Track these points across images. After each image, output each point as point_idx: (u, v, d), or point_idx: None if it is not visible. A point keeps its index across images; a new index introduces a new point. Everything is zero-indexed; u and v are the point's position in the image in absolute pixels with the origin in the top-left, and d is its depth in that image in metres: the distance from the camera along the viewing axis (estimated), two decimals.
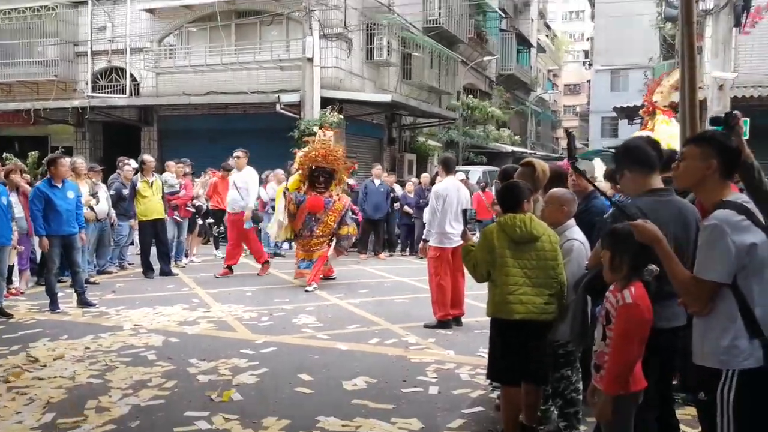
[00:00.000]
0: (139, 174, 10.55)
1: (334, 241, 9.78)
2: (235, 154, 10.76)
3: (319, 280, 9.58)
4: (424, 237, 7.31)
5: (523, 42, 35.39)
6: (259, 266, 10.82)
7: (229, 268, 10.58)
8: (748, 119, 11.76)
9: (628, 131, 20.72)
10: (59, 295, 8.02)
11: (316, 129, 10.58)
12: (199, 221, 12.61)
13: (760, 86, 14.26)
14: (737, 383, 2.46)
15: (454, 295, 7.31)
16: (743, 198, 2.60)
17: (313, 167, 9.58)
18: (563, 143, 53.73)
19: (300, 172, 9.73)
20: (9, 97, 19.60)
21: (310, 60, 15.47)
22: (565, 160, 4.20)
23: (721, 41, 12.09)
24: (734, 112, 3.13)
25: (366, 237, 13.63)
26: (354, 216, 10.35)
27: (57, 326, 7.03)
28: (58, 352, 5.97)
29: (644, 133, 9.66)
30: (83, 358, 5.84)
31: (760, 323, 2.44)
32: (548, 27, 52.04)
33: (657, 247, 2.66)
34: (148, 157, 10.94)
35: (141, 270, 10.44)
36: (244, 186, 10.43)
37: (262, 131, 16.79)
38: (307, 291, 9.24)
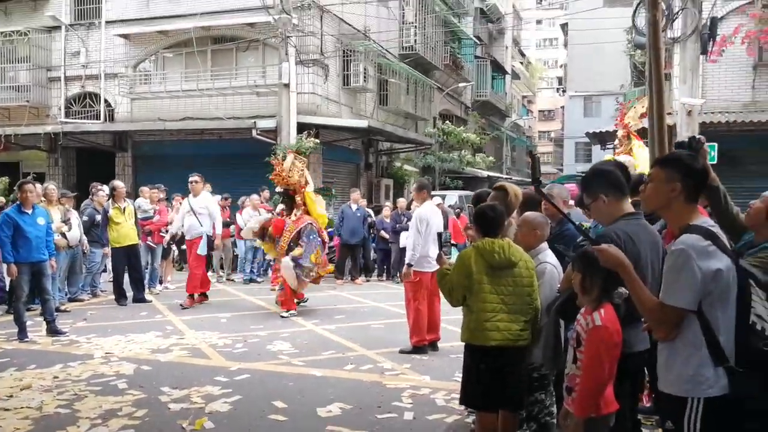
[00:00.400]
0: (110, 200, 10.43)
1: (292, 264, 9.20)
2: (191, 179, 10.33)
3: (294, 306, 9.47)
4: (408, 261, 7.17)
5: (498, 69, 35.91)
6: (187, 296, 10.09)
7: (204, 295, 10.40)
8: (715, 144, 12.04)
9: (601, 156, 21.01)
10: (28, 323, 7.85)
11: (284, 154, 10.38)
12: (174, 247, 12.48)
13: (727, 112, 14.63)
14: (703, 412, 2.43)
15: (431, 320, 7.28)
16: (709, 222, 2.59)
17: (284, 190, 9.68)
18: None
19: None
20: None
21: (287, 86, 15.51)
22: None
23: (689, 68, 12.36)
24: (698, 136, 3.18)
25: (343, 262, 13.58)
26: (317, 239, 9.47)
27: (25, 355, 6.86)
28: (26, 382, 5.82)
29: (622, 157, 9.82)
30: (51, 387, 5.70)
31: (724, 350, 2.41)
32: (522, 54, 52.91)
33: (622, 271, 2.64)
34: (118, 183, 10.81)
35: (113, 297, 10.27)
36: (203, 212, 10.14)
37: (239, 157, 16.76)
38: (282, 317, 9.15)
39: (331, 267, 10.71)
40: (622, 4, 19.74)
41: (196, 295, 10.17)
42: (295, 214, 9.51)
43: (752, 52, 14.00)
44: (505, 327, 3.80)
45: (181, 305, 9.87)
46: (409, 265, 7.13)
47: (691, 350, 2.44)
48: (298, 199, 9.55)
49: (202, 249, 10.13)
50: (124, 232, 10.24)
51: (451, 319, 7.26)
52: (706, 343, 2.41)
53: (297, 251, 9.17)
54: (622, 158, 9.49)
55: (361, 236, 13.52)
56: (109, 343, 7.45)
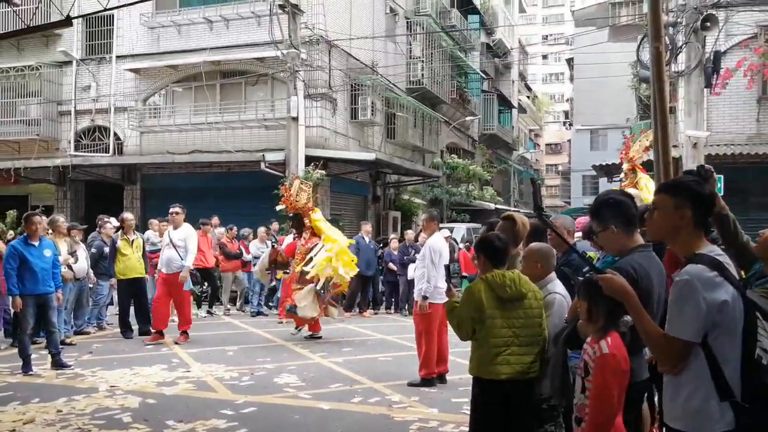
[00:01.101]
0: (119, 232, 10.41)
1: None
2: (172, 210, 10.07)
3: (303, 323, 9.87)
4: (423, 293, 7.04)
5: (505, 103, 36.10)
6: (178, 333, 9.87)
7: (160, 333, 9.74)
8: (721, 176, 12.03)
9: (608, 189, 20.94)
10: (33, 356, 7.76)
11: (291, 181, 10.66)
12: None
13: (732, 144, 14.67)
14: None
15: (439, 352, 7.19)
16: (716, 251, 2.51)
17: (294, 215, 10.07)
18: (546, 201, 54.31)
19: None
20: None
21: (295, 119, 15.59)
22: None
23: (694, 101, 12.50)
24: (707, 165, 3.13)
25: (355, 294, 13.45)
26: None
27: (29, 389, 6.76)
28: (29, 416, 5.71)
29: (629, 191, 9.76)
30: (55, 421, 5.59)
31: (730, 384, 2.33)
32: (529, 88, 53.26)
33: (626, 301, 2.57)
34: (128, 215, 10.83)
35: (119, 330, 10.18)
36: (182, 245, 9.75)
37: (247, 190, 16.79)
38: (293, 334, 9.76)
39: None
40: (627, 39, 20.01)
41: (165, 331, 9.79)
42: (305, 237, 9.85)
43: (752, 85, 14.13)
44: (516, 360, 3.75)
45: (175, 342, 9.55)
46: (425, 297, 7.03)
47: (696, 383, 2.37)
48: (306, 221, 9.87)
49: (188, 284, 9.86)
50: (131, 264, 10.21)
51: (459, 351, 7.14)
52: (711, 377, 2.34)
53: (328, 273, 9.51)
54: (630, 191, 9.46)
55: (375, 268, 13.45)
56: (115, 376, 7.35)
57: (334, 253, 9.47)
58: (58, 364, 7.72)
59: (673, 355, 2.40)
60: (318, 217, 9.95)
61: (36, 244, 7.67)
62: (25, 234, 7.76)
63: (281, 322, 11.21)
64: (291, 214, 10.25)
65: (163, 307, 9.82)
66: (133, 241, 10.31)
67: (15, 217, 16.11)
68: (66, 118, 19.48)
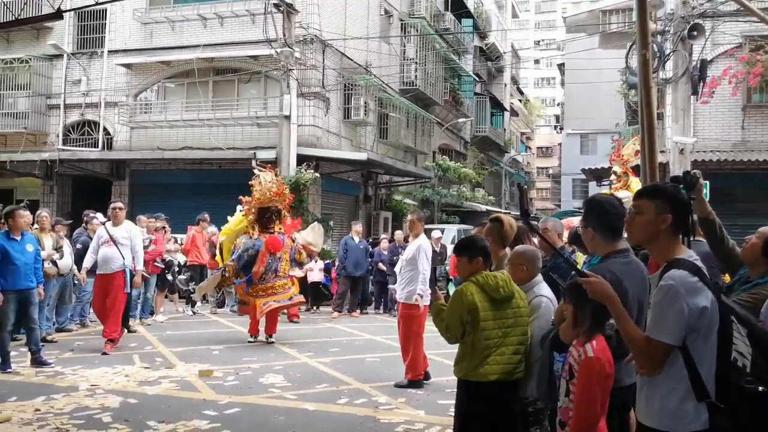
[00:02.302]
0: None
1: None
2: (114, 205, 9.25)
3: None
4: (419, 292, 6.96)
5: (497, 105, 36.16)
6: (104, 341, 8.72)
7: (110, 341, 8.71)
8: (708, 182, 12.11)
9: (597, 192, 21.01)
10: (12, 353, 7.58)
11: (255, 171, 10.33)
12: (169, 277, 12.23)
13: (718, 151, 14.87)
14: None
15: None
16: (693, 255, 2.55)
17: (263, 208, 9.60)
18: (537, 203, 54.44)
19: (248, 217, 9.67)
20: None
21: (288, 118, 15.49)
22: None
23: (681, 108, 12.76)
24: (693, 171, 3.16)
25: (344, 294, 13.35)
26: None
27: (6, 387, 6.60)
28: (5, 415, 5.56)
29: (620, 193, 9.75)
30: (32, 421, 5.45)
31: (706, 385, 2.39)
32: (521, 92, 53.41)
33: (609, 305, 2.59)
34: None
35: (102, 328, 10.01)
36: (126, 243, 8.89)
37: (237, 187, 16.52)
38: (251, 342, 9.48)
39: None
40: (616, 46, 20.12)
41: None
42: (280, 228, 9.72)
43: (736, 92, 14.27)
44: (506, 360, 3.73)
45: (103, 353, 8.43)
46: (420, 296, 6.96)
47: (673, 384, 2.43)
48: (284, 212, 9.84)
49: (127, 287, 8.94)
50: None
51: (444, 353, 7.06)
52: (689, 378, 2.40)
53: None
54: (621, 194, 9.44)
55: (365, 269, 13.36)
56: (96, 374, 7.19)
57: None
58: (38, 361, 7.56)
59: (654, 357, 2.45)
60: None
61: (18, 238, 7.51)
62: (6, 228, 7.58)
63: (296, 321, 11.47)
64: (267, 209, 9.69)
65: (112, 312, 8.77)
66: None
67: None
68: (55, 112, 19.26)
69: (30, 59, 18.91)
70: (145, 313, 11.36)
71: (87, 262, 8.98)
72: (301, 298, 10.28)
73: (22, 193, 19.27)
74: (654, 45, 11.95)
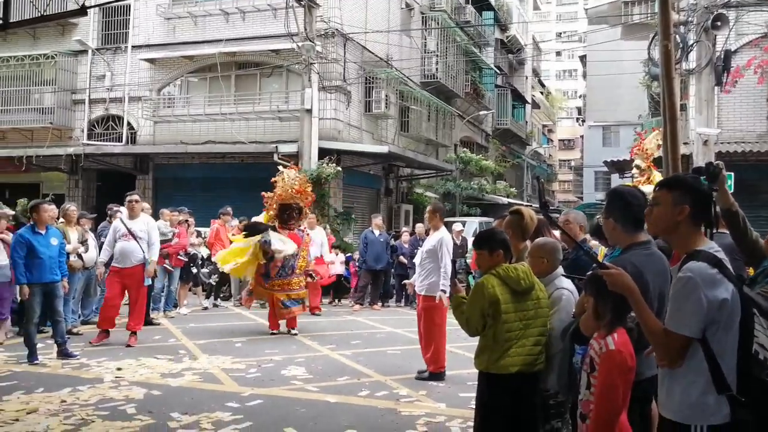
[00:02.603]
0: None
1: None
2: (131, 198, 9.07)
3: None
4: (442, 288, 6.94)
5: (518, 98, 35.92)
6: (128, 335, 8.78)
7: (107, 333, 8.74)
8: (732, 173, 11.94)
9: (619, 184, 20.81)
10: (39, 346, 7.72)
11: (280, 168, 10.49)
12: (194, 270, 12.31)
13: (743, 142, 14.63)
14: None
15: None
16: (714, 247, 2.52)
17: (284, 204, 9.75)
18: (559, 196, 54.01)
19: (270, 213, 9.84)
20: (2, 144, 19.58)
21: (309, 111, 15.52)
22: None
23: (704, 99, 12.60)
24: (716, 162, 3.11)
25: (365, 287, 13.39)
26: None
27: (33, 378, 6.70)
28: (32, 406, 5.65)
29: (644, 188, 9.63)
30: (58, 411, 5.53)
31: (727, 378, 2.38)
32: (542, 84, 52.96)
33: (629, 296, 2.59)
34: (146, 205, 10.75)
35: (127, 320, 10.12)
36: (144, 236, 8.82)
37: (259, 181, 16.62)
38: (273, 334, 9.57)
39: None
40: (639, 37, 19.84)
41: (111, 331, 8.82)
42: (302, 228, 10.00)
43: (762, 82, 14.11)
44: (527, 351, 3.72)
45: (127, 345, 8.51)
46: (443, 291, 6.93)
47: (694, 377, 2.42)
48: (303, 210, 10.01)
49: (148, 281, 9.09)
50: None
51: (465, 345, 7.04)
52: (709, 371, 2.39)
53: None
54: (645, 188, 9.33)
55: (386, 262, 13.37)
56: (120, 366, 7.28)
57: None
58: (64, 353, 7.67)
59: (673, 350, 2.44)
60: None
61: (43, 232, 7.61)
62: (32, 222, 7.69)
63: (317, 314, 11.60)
64: (288, 205, 9.81)
65: (118, 307, 8.89)
66: None
67: (25, 206, 16.16)
68: (80, 107, 19.52)
69: (55, 55, 19.17)
70: (168, 306, 11.47)
71: (104, 256, 8.94)
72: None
73: (48, 187, 19.57)
74: (677, 36, 11.79)
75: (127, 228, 8.77)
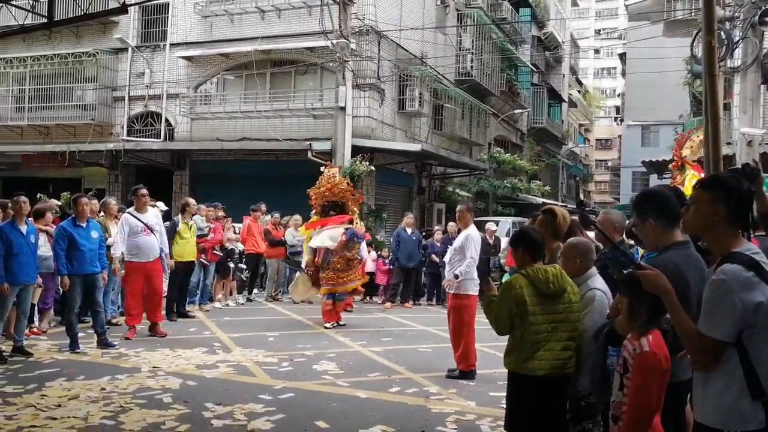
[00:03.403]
0: (180, 215, 10.57)
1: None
2: (141, 192, 8.98)
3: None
4: (456, 272, 7.04)
5: (555, 96, 35.51)
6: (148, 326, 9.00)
7: (134, 328, 8.80)
8: None
9: (657, 184, 20.43)
10: (80, 335, 7.95)
11: (321, 168, 10.91)
12: (231, 265, 12.46)
13: None
14: None
15: None
16: (753, 249, 2.46)
17: (325, 203, 10.27)
18: (595, 197, 53.31)
19: (315, 210, 10.37)
20: (46, 140, 20.13)
21: (343, 109, 15.62)
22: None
23: (750, 98, 12.27)
24: (752, 163, 3.04)
25: (397, 285, 13.44)
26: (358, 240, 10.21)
27: (75, 366, 6.92)
28: (74, 392, 5.85)
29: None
30: (98, 399, 5.71)
31: (762, 383, 2.32)
32: (580, 83, 52.25)
33: (664, 297, 2.57)
34: (191, 200, 10.96)
35: (164, 312, 10.34)
36: (159, 229, 8.90)
37: (293, 178, 16.83)
38: (326, 328, 9.83)
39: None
40: (682, 34, 19.43)
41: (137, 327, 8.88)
42: (356, 223, 10.35)
43: None
44: (555, 356, 3.71)
45: (159, 335, 8.80)
46: (456, 276, 7.01)
47: (728, 381, 2.37)
48: (347, 208, 10.37)
49: (166, 273, 9.31)
50: (189, 248, 10.40)
51: (497, 345, 7.03)
52: (744, 376, 2.34)
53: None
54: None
55: (418, 260, 13.40)
56: (157, 357, 7.47)
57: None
58: (103, 343, 7.90)
59: (706, 353, 2.39)
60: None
61: (83, 225, 7.84)
62: (73, 215, 7.92)
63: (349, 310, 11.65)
64: (328, 203, 10.40)
65: (141, 302, 8.86)
66: (191, 225, 10.48)
67: (68, 199, 16.60)
68: (120, 104, 19.96)
69: (97, 53, 19.65)
70: (204, 300, 11.68)
71: (119, 251, 8.73)
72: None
73: (90, 182, 20.09)
74: (721, 32, 11.49)
75: (144, 223, 8.76)
